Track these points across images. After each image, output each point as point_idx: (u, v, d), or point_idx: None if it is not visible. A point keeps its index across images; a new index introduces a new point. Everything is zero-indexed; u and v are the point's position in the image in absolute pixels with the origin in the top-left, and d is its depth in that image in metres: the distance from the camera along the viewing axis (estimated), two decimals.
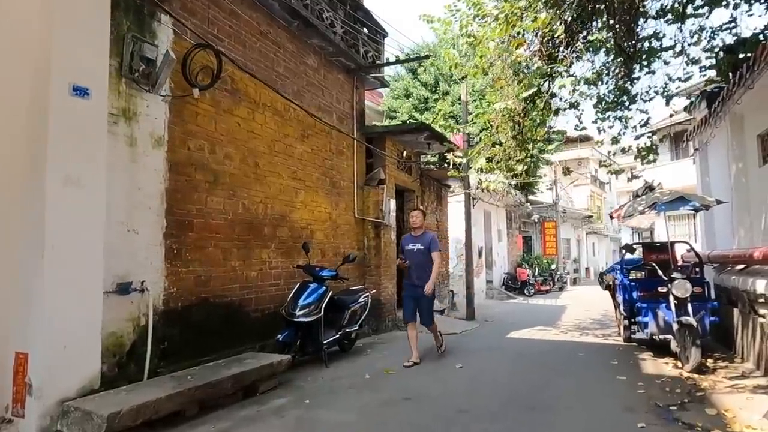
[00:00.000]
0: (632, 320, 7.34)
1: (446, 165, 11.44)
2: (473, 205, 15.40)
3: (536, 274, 18.94)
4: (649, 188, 7.04)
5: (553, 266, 21.09)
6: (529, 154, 8.80)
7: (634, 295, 6.98)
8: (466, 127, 11.42)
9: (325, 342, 5.98)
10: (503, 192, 15.07)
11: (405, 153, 10.01)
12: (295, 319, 5.59)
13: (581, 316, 11.58)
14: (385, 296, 8.90)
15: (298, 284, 6.02)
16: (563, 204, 29.57)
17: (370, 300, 7.20)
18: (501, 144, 8.42)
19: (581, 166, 43.50)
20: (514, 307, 14.41)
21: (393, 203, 9.23)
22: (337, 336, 6.33)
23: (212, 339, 5.28)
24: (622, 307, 7.51)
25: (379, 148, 9.11)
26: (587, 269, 32.80)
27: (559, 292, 19.75)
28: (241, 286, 5.76)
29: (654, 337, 6.48)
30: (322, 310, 5.83)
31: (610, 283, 8.45)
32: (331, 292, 6.13)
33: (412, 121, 16.56)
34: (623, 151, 8.50)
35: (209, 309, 5.30)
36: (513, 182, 20.26)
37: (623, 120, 7.95)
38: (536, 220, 23.62)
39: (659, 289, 6.24)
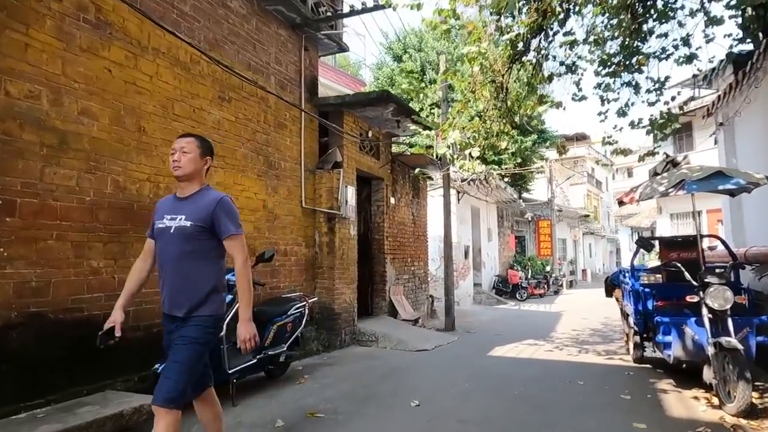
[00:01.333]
0: (645, 336, 5.76)
1: (426, 152, 9.85)
2: (458, 199, 13.81)
3: (529, 276, 17.36)
4: (672, 163, 5.45)
5: (548, 268, 19.51)
6: (514, 128, 7.23)
7: (649, 304, 5.39)
8: (436, 89, 9.82)
9: (231, 370, 4.36)
10: (490, 182, 13.49)
11: (371, 133, 8.40)
12: None
13: (579, 326, 9.98)
14: (341, 304, 7.28)
15: None
16: (559, 202, 28.05)
17: (307, 311, 5.57)
18: (480, 116, 6.84)
19: (577, 165, 42.26)
20: (503, 313, 12.80)
21: (352, 191, 7.61)
22: (254, 361, 4.69)
23: (54, 374, 3.64)
24: (632, 320, 5.92)
25: (336, 125, 7.50)
26: (584, 271, 31.29)
27: (554, 297, 18.18)
28: (110, 295, 4.11)
29: (679, 361, 4.89)
30: (225, 326, 4.19)
31: (618, 287, 6.89)
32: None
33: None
34: (632, 126, 6.93)
35: (46, 329, 3.65)
36: (497, 170, 18.74)
37: (632, 86, 6.35)
38: (530, 219, 22.06)
39: (688, 298, 4.65)
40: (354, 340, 7.53)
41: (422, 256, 10.80)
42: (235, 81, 5.74)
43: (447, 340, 8.06)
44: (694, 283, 4.64)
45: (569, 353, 7.06)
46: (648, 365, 5.99)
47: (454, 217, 13.50)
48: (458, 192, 13.89)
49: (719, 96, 7.35)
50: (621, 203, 5.98)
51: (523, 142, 19.70)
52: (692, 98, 7.02)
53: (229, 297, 4.32)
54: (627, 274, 6.33)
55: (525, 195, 23.12)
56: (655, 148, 6.53)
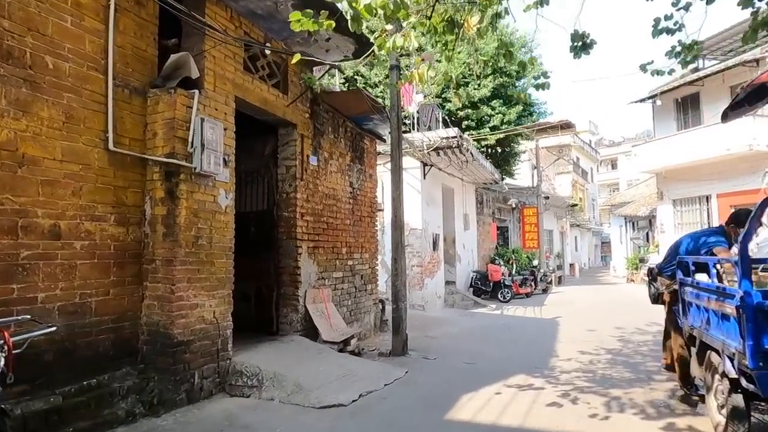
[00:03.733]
0: (741, 383, 2.78)
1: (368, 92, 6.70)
2: (424, 173, 10.73)
3: (513, 272, 14.39)
4: None
5: (535, 262, 16.57)
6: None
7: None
8: None
9: None
10: (464, 152, 10.38)
11: (268, 50, 5.20)
12: None
13: (588, 344, 6.98)
14: (191, 326, 4.12)
15: None
16: (545, 189, 25.24)
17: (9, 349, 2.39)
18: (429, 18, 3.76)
19: (563, 153, 39.80)
20: (481, 321, 9.77)
21: (219, 130, 4.43)
22: None
23: None
24: (728, 364, 2.92)
25: (194, 13, 4.32)
26: (572, 266, 28.60)
27: (543, 296, 15.27)
28: None
29: None
30: None
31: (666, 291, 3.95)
32: None
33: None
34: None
35: None
36: (475, 138, 15.72)
37: None
38: (514, 206, 19.14)
39: None
40: (221, 386, 4.39)
41: (368, 246, 7.69)
42: None
43: (386, 378, 4.95)
44: None
45: (592, 411, 4.01)
46: None
47: (418, 197, 10.42)
48: (424, 164, 10.80)
49: None
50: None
51: (506, 113, 16.72)
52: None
53: None
54: (711, 273, 3.35)
55: (509, 180, 20.22)
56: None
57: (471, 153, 10.76)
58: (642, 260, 18.93)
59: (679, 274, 4.09)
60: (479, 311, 11.53)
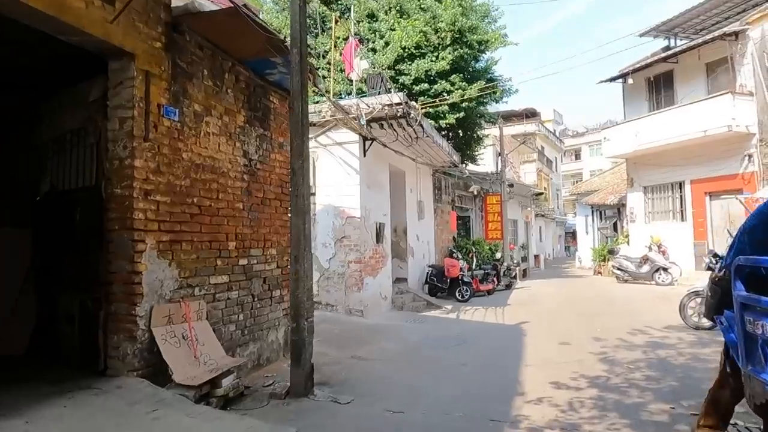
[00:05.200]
0: None
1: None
2: (365, 149, 8.87)
3: (474, 267, 12.72)
4: None
5: (498, 255, 14.94)
6: None
7: None
8: None
9: None
10: (413, 124, 8.53)
11: None
12: None
13: (561, 367, 5.27)
14: None
15: None
16: (510, 177, 23.78)
17: None
18: None
19: (528, 142, 38.79)
20: (430, 331, 7.99)
21: None
22: None
23: None
24: None
25: None
26: (536, 257, 27.34)
27: (506, 292, 13.68)
28: None
29: None
30: None
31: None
32: None
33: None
34: None
35: None
36: (430, 113, 13.96)
37: None
38: (476, 193, 17.50)
39: None
40: None
41: (276, 240, 5.74)
42: None
43: None
44: None
45: None
46: None
47: (356, 177, 8.53)
48: (364, 139, 8.89)
49: None
50: None
51: (466, 89, 14.96)
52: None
53: None
54: None
55: (472, 167, 18.58)
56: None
57: (422, 126, 8.91)
58: (611, 251, 17.62)
59: (739, 290, 2.29)
60: (432, 314, 9.77)
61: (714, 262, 7.43)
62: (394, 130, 8.89)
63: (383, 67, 14.44)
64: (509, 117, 33.49)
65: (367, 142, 8.88)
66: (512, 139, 29.56)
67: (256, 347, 5.23)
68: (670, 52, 16.13)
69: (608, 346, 6.24)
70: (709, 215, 14.99)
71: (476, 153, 19.54)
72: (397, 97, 8.22)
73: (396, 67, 14.84)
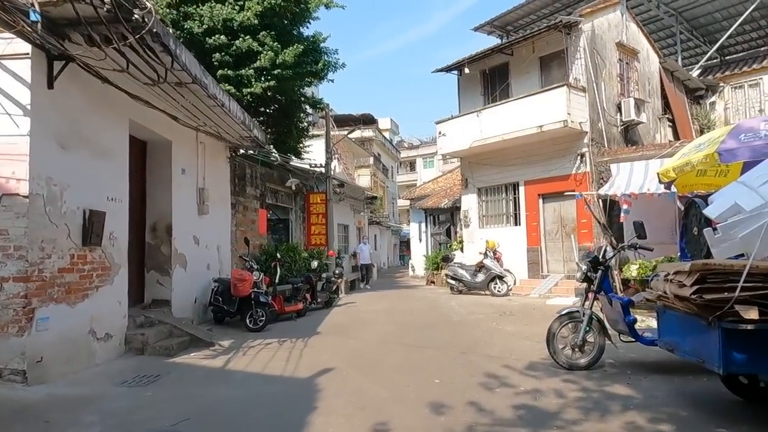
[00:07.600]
0: None
1: None
2: (54, 76, 4.83)
3: (277, 281, 9.36)
4: None
5: (314, 264, 11.73)
6: None
7: None
8: None
9: None
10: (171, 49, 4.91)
11: None
12: None
13: None
14: None
15: None
16: (341, 177, 21.12)
17: None
18: None
19: (365, 147, 37.21)
20: (114, 420, 4.37)
21: None
22: None
23: None
24: None
25: None
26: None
27: (323, 312, 10.60)
28: None
29: None
30: None
31: None
32: None
33: None
34: None
35: None
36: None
37: None
38: (294, 188, 14.23)
39: None
40: None
41: None
42: None
43: None
44: None
45: None
46: None
47: (26, 123, 4.53)
48: (49, 55, 4.91)
49: None
50: None
51: (279, 52, 11.65)
52: None
53: None
54: None
55: (296, 162, 15.29)
56: None
57: (165, 47, 5.27)
58: (446, 259, 15.79)
59: None
60: (185, 361, 6.07)
61: (591, 269, 5.15)
62: (121, 52, 5.09)
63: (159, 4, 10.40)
64: (346, 121, 31.28)
65: (58, 63, 4.93)
66: (348, 139, 27.29)
67: None
68: (505, 42, 14.99)
69: (456, 424, 3.37)
70: (542, 218, 13.94)
71: (301, 146, 16.32)
72: None
73: (181, 8, 10.89)
